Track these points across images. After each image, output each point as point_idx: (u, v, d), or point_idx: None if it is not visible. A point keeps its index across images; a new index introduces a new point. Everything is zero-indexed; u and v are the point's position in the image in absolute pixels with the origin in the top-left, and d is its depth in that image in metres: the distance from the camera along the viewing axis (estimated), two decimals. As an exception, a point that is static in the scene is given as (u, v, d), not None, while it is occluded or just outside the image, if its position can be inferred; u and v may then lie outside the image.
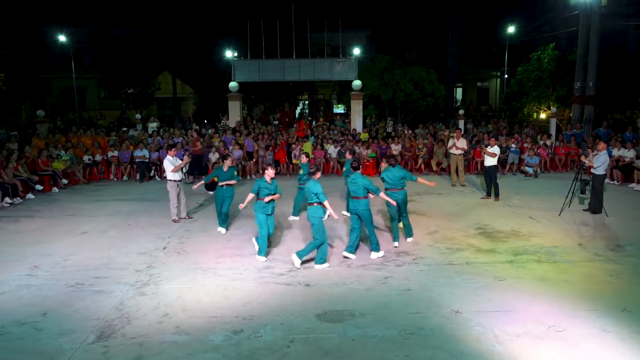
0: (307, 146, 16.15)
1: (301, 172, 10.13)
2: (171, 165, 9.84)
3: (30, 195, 12.74)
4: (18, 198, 12.32)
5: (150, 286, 6.87)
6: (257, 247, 7.95)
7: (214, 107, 31.82)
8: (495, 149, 11.86)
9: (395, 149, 16.37)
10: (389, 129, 21.32)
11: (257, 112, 28.85)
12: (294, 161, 16.10)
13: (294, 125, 20.57)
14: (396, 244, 8.42)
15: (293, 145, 16.27)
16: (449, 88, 31.07)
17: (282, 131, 18.59)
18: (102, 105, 36.91)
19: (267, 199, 7.64)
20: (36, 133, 17.91)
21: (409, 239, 8.70)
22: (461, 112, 23.29)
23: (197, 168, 14.88)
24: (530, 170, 15.58)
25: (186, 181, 14.22)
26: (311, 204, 7.49)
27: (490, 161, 11.85)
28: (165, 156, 10.11)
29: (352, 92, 20.78)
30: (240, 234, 9.35)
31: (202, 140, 15.72)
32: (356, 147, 16.12)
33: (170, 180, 9.94)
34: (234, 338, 5.41)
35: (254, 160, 15.94)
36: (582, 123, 19.34)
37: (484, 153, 12.23)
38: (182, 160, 10.16)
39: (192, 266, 7.63)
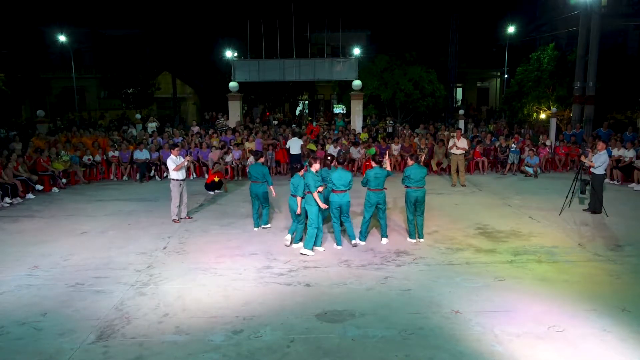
0: (311, 147, 16.08)
1: None
2: (174, 164, 9.84)
3: (30, 195, 12.73)
4: (18, 198, 12.32)
5: (150, 286, 6.86)
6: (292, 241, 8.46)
7: (214, 107, 31.82)
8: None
9: (395, 149, 16.38)
10: (389, 129, 21.32)
11: (257, 112, 28.88)
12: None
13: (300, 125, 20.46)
14: (354, 241, 8.42)
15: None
16: (449, 88, 31.07)
17: (285, 131, 18.55)
18: (102, 105, 36.86)
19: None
20: (36, 133, 17.89)
21: (383, 240, 8.62)
22: (461, 112, 23.28)
23: None
24: (530, 170, 15.57)
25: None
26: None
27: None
28: (166, 156, 10.11)
29: (352, 92, 20.79)
30: (240, 233, 9.35)
31: None
32: (352, 148, 16.14)
33: (173, 179, 9.93)
34: (234, 338, 5.41)
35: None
36: (582, 123, 19.35)
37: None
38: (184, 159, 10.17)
39: (192, 266, 7.62)
